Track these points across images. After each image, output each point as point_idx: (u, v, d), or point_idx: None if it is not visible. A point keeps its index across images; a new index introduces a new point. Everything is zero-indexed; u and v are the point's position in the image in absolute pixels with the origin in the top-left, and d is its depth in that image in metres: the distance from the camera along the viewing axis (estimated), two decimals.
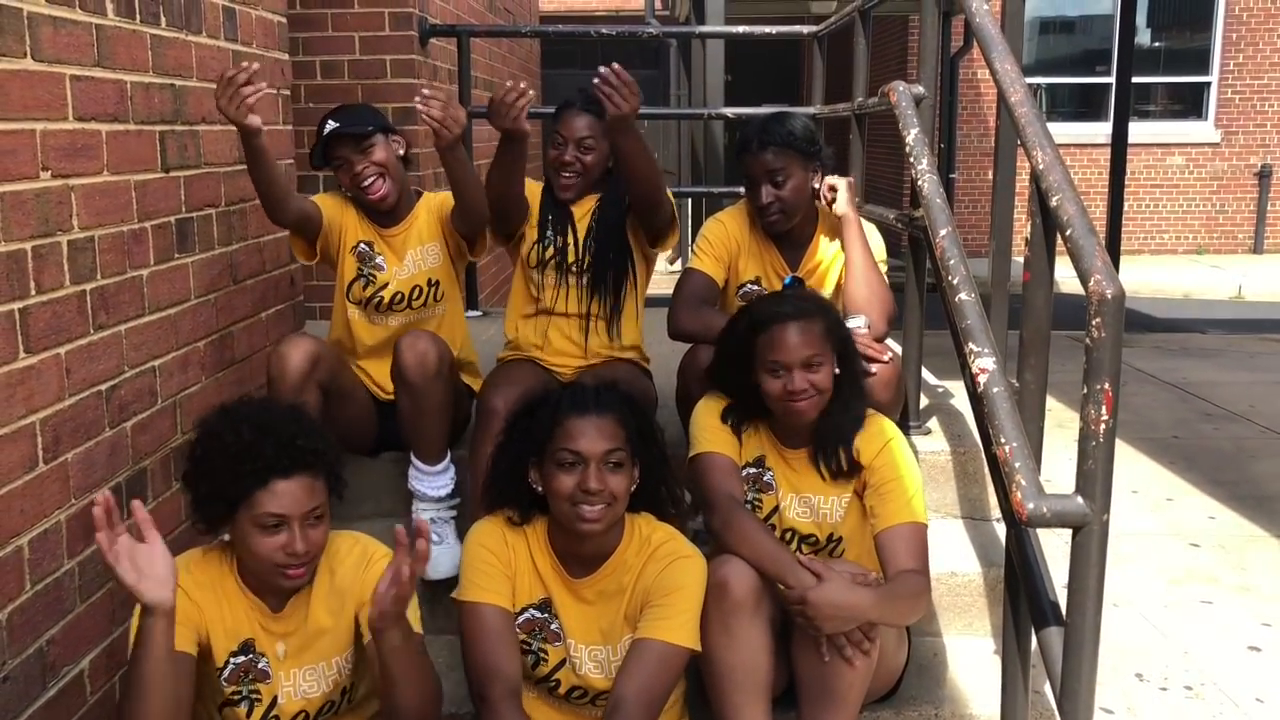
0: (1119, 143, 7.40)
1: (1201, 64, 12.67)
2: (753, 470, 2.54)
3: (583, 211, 3.14)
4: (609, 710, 2.13)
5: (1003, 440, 2.03)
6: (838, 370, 2.44)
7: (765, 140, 2.94)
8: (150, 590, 1.82)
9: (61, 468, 2.14)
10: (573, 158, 3.04)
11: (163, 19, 2.53)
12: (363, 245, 3.06)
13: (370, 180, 2.93)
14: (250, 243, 3.06)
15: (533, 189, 3.17)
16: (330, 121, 2.92)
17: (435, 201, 3.09)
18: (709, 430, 2.52)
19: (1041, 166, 2.15)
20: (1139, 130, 9.26)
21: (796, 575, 2.21)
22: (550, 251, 3.11)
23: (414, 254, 3.07)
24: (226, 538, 2.05)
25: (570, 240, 3.11)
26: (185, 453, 2.07)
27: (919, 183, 2.77)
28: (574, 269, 3.12)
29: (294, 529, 1.95)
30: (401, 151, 3.02)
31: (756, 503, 2.53)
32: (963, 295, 2.35)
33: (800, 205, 3.00)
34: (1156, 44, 12.94)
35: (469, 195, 2.88)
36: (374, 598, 1.91)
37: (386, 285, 3.06)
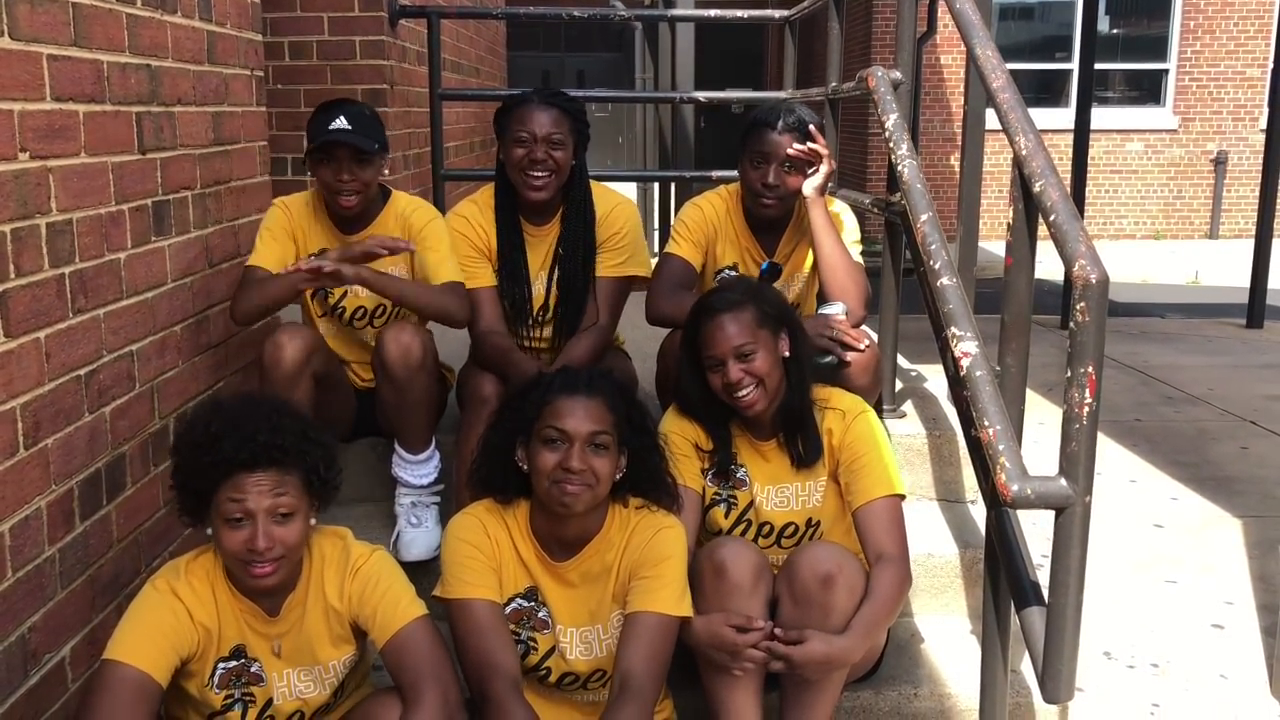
0: (1081, 129, 7.45)
1: (1159, 51, 12.83)
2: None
3: (544, 246, 3.01)
4: (618, 687, 2.12)
5: (986, 423, 2.06)
6: (786, 353, 2.43)
7: (790, 124, 2.91)
8: None
9: (42, 453, 2.11)
10: (544, 155, 2.87)
11: None
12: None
13: (349, 195, 2.82)
14: (225, 225, 3.02)
15: (474, 214, 3.01)
16: (341, 118, 2.77)
17: (406, 216, 2.93)
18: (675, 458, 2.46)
19: (1024, 152, 2.17)
20: (1098, 116, 9.33)
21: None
22: (507, 305, 3.01)
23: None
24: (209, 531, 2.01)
25: (529, 289, 3.00)
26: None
27: (899, 168, 2.78)
28: (538, 318, 3.03)
29: (256, 524, 1.92)
30: (386, 172, 2.93)
31: (731, 500, 2.53)
32: (944, 280, 2.38)
33: (794, 193, 3.01)
34: (1115, 31, 13.07)
35: (416, 309, 2.82)
36: None
37: (345, 294, 2.97)
